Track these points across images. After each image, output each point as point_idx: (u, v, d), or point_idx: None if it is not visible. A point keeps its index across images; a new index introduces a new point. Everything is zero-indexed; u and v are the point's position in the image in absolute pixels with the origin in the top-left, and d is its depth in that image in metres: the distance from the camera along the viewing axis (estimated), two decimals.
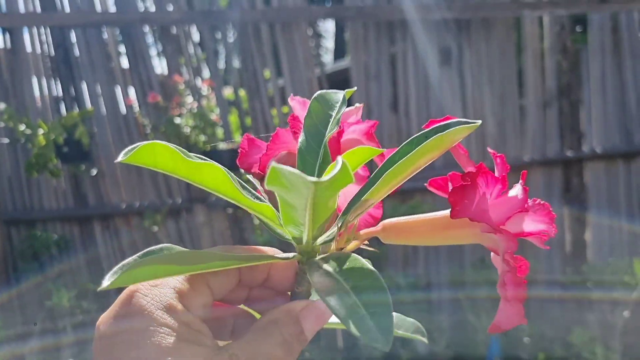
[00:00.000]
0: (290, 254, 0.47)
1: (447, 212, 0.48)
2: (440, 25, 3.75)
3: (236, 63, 4.22)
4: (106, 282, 0.38)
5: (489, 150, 0.48)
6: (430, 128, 0.45)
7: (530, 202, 0.47)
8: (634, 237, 3.75)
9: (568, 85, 3.94)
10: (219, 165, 0.42)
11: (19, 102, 3.57)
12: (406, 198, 3.64)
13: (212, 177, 0.43)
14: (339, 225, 0.46)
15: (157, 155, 0.41)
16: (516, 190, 0.48)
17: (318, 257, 0.46)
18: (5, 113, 3.19)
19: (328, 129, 0.49)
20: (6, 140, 3.55)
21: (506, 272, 0.46)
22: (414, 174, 0.46)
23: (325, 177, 0.34)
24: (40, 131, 3.22)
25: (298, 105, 0.54)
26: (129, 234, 3.69)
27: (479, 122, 0.43)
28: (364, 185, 0.47)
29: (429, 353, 3.41)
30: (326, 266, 0.42)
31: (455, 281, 3.61)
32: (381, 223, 0.51)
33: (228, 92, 4.08)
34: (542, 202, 0.47)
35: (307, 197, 0.37)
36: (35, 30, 3.65)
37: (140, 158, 0.41)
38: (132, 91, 3.76)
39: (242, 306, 0.51)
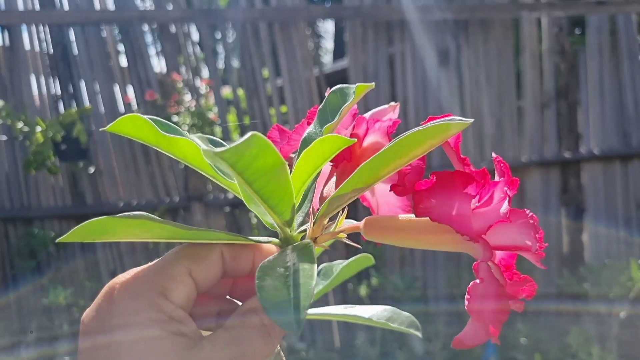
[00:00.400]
0: (269, 238, 0.47)
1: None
2: (439, 26, 3.76)
3: (235, 62, 4.23)
4: (66, 235, 0.40)
5: (494, 155, 0.46)
6: (425, 124, 0.43)
7: (527, 212, 0.44)
8: (631, 238, 3.75)
9: (566, 87, 3.95)
10: (194, 140, 0.43)
11: (17, 99, 3.56)
12: None
13: (186, 150, 0.44)
14: (315, 217, 0.46)
15: (138, 127, 0.42)
16: (505, 204, 0.44)
17: (293, 245, 0.46)
18: (3, 110, 3.19)
19: (335, 119, 0.49)
20: (4, 138, 3.55)
21: (473, 283, 0.44)
22: (395, 171, 0.44)
23: (221, 148, 0.34)
24: (38, 128, 3.22)
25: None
26: None
27: (471, 120, 0.41)
28: (343, 183, 0.45)
29: (426, 353, 3.41)
30: (289, 253, 0.43)
31: (451, 281, 3.61)
32: (365, 218, 0.49)
33: (226, 91, 4.08)
34: (532, 215, 0.44)
35: (233, 174, 0.37)
36: (33, 28, 3.65)
37: (122, 128, 0.42)
38: (130, 89, 3.76)
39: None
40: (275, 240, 0.47)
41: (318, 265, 0.64)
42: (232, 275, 0.48)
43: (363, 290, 3.29)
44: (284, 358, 0.48)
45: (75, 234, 0.40)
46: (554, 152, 3.85)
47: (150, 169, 3.69)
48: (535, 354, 3.26)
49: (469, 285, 0.45)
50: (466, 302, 0.45)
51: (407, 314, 0.58)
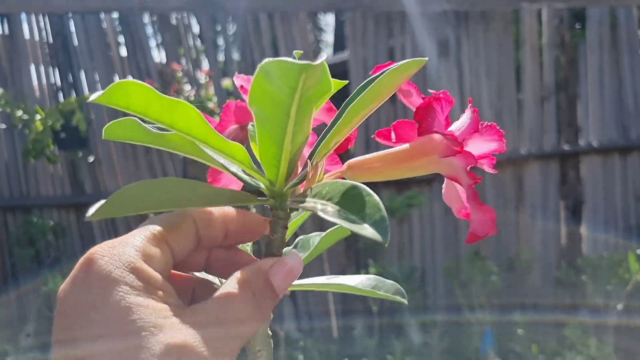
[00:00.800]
0: (265, 198, 0.48)
1: (407, 145, 0.51)
2: (439, 18, 3.75)
3: (235, 55, 4.23)
4: (91, 212, 0.38)
5: (430, 91, 0.50)
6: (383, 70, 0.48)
7: (489, 123, 0.50)
8: (628, 230, 3.76)
9: (565, 80, 3.94)
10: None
11: (17, 88, 3.56)
12: (402, 189, 3.65)
13: (184, 116, 0.42)
14: (310, 165, 0.47)
15: (130, 94, 0.40)
16: (467, 115, 0.50)
17: (291, 199, 0.46)
18: (3, 98, 3.19)
19: None
20: (3, 126, 3.55)
21: (470, 185, 0.48)
22: (373, 110, 0.48)
23: (316, 62, 0.36)
24: (38, 117, 3.22)
25: (244, 82, 0.57)
26: (125, 221, 3.69)
27: (426, 58, 0.46)
28: (327, 128, 0.48)
29: (423, 344, 3.42)
30: (307, 199, 0.43)
31: (449, 273, 3.62)
32: (346, 163, 0.52)
33: (227, 82, 4.08)
34: (489, 123, 0.49)
35: (295, 95, 0.38)
36: (33, 16, 3.65)
37: (112, 98, 0.40)
38: (129, 79, 3.75)
39: (202, 274, 0.50)
40: (271, 200, 0.47)
41: (295, 239, 0.65)
42: (206, 243, 0.47)
43: None
44: (271, 340, 0.48)
45: (104, 210, 0.39)
46: (553, 144, 3.85)
47: (149, 157, 3.70)
48: (532, 345, 3.27)
49: (468, 189, 0.49)
50: (472, 202, 0.49)
51: (391, 281, 0.59)
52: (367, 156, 0.53)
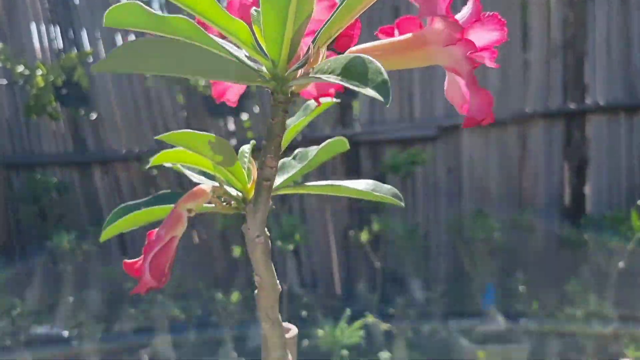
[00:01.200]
0: (266, 78, 0.47)
1: (407, 36, 0.52)
2: None
3: None
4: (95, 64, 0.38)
5: None
6: None
7: (490, 13, 0.49)
8: (632, 189, 3.75)
9: (573, 38, 3.88)
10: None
11: (17, 43, 3.53)
12: (406, 146, 3.63)
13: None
14: (312, 49, 0.47)
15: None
16: (468, 5, 0.50)
17: (292, 82, 0.46)
18: (2, 53, 3.16)
19: None
20: (4, 82, 3.53)
21: (470, 70, 0.48)
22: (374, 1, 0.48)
23: None
24: (39, 72, 3.20)
25: None
26: (128, 179, 3.69)
27: None
28: (330, 16, 0.48)
29: (426, 300, 3.45)
30: (309, 76, 0.43)
31: (452, 230, 3.63)
32: (347, 51, 0.52)
33: None
34: (490, 13, 0.49)
35: None
36: None
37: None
38: (131, 37, 3.71)
39: None
40: (272, 82, 0.47)
41: (294, 150, 0.66)
42: None
43: (364, 236, 3.30)
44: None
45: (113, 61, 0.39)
46: (559, 103, 3.81)
47: (152, 114, 3.68)
48: (533, 302, 3.30)
49: (469, 74, 0.48)
50: (472, 85, 0.48)
51: (388, 186, 0.62)
52: (369, 44, 0.53)
